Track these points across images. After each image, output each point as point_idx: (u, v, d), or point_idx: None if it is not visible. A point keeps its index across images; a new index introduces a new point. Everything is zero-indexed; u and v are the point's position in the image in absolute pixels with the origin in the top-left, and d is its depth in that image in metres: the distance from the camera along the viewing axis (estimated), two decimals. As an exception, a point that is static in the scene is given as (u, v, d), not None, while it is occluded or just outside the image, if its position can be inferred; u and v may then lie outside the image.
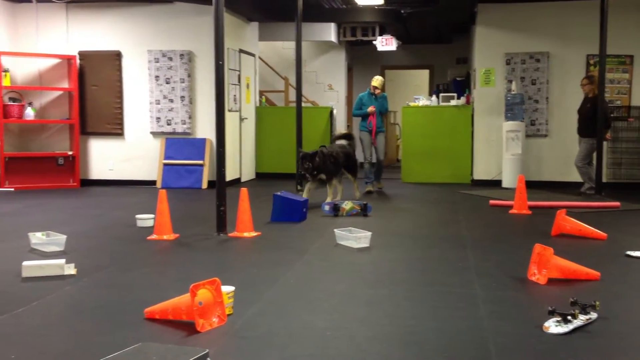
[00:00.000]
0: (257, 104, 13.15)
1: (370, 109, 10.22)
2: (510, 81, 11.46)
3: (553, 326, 3.76)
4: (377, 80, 10.48)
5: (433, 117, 12.10)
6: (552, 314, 3.81)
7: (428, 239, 6.71)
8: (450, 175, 11.93)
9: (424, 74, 16.79)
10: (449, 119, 12.01)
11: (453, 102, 12.08)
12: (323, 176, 8.71)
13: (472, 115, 11.85)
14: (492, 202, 9.08)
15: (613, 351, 3.51)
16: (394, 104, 16.58)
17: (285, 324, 3.90)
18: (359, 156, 10.37)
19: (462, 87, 13.18)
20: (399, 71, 17.08)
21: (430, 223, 7.72)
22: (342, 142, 9.77)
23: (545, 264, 4.85)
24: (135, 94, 11.15)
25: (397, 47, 14.36)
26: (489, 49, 11.67)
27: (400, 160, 13.11)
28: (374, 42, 14.23)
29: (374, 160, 10.72)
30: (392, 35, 14.04)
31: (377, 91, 10.34)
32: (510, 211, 8.35)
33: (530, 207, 8.34)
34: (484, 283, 4.86)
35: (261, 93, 13.84)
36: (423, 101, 12.39)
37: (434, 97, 12.53)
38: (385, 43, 14.08)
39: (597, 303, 3.98)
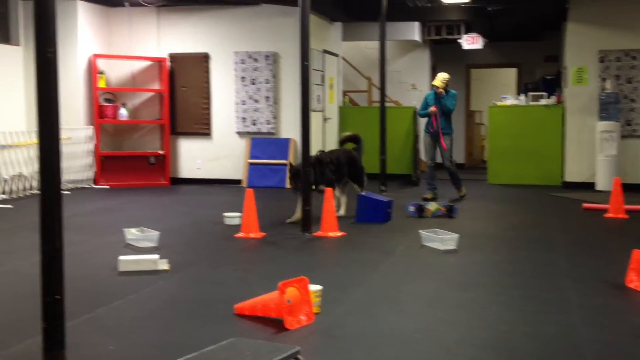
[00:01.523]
0: (341, 104, 13.20)
1: (432, 109, 9.44)
2: (604, 79, 11.00)
3: (655, 336, 3.61)
4: (437, 79, 9.60)
5: (521, 117, 11.76)
6: (653, 322, 3.66)
7: (517, 241, 6.54)
8: (539, 177, 11.56)
9: (511, 72, 16.37)
10: (538, 118, 11.65)
11: (543, 102, 11.70)
12: (322, 187, 7.32)
13: (563, 115, 11.46)
14: (585, 205, 8.74)
15: None
16: (480, 104, 16.26)
17: (373, 325, 3.90)
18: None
19: (552, 85, 12.74)
20: (484, 70, 16.72)
21: (519, 225, 7.52)
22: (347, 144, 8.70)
23: (645, 271, 4.63)
24: (222, 95, 11.41)
25: (483, 45, 14.05)
26: (582, 46, 11.23)
27: (486, 161, 12.84)
28: (459, 41, 13.98)
29: (441, 162, 9.74)
30: (478, 33, 13.76)
31: (439, 90, 9.46)
32: (605, 215, 8.00)
33: (628, 211, 7.97)
34: (577, 288, 4.69)
35: (344, 93, 13.87)
36: (511, 100, 12.08)
37: (522, 96, 12.20)
38: (471, 41, 13.80)
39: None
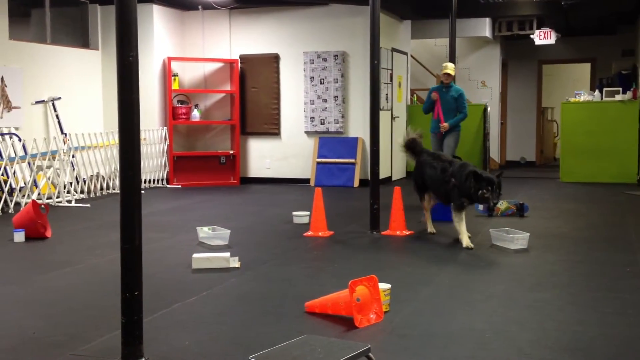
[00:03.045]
0: (409, 103, 13.13)
1: (433, 95, 8.57)
2: (684, 73, 10.55)
3: None
4: (448, 66, 8.61)
5: (595, 113, 11.42)
6: None
7: (591, 241, 6.37)
8: (615, 175, 11.19)
9: (585, 67, 15.88)
10: (613, 114, 11.28)
11: (618, 97, 11.32)
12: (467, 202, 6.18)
13: (640, 111, 11.05)
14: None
15: None
16: (552, 100, 15.86)
17: (443, 324, 3.90)
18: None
19: (628, 81, 12.32)
20: (557, 65, 16.29)
21: (593, 224, 7.32)
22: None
23: None
24: (291, 95, 11.55)
25: (556, 40, 13.71)
26: (660, 39, 10.81)
27: (558, 159, 12.51)
28: (531, 36, 13.69)
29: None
30: (550, 28, 13.43)
31: (448, 81, 8.52)
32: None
33: None
34: (655, 290, 4.55)
35: (412, 91, 13.80)
36: (585, 96, 11.74)
37: (596, 92, 11.83)
38: (543, 36, 13.49)
39: None
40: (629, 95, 11.28)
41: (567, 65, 16.49)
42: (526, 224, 7.12)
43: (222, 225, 6.57)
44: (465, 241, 6.02)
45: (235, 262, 5.27)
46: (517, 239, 6.01)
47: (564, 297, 4.47)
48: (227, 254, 5.32)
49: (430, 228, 6.77)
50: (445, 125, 8.52)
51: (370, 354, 2.97)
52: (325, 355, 2.87)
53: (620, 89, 11.52)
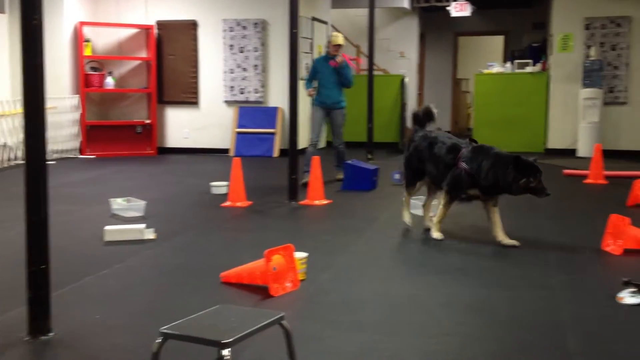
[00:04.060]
0: (328, 72, 13.15)
1: (310, 92, 7.95)
2: (589, 47, 11.03)
3: (627, 297, 3.70)
4: (340, 37, 7.92)
5: (507, 85, 11.81)
6: (626, 284, 3.75)
7: (502, 207, 6.62)
8: (523, 144, 11.62)
9: (499, 40, 16.34)
10: (523, 86, 11.69)
11: (528, 69, 11.74)
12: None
13: (548, 83, 11.51)
14: (566, 171, 8.86)
15: (692, 326, 3.43)
16: (467, 72, 16.24)
17: (357, 290, 3.98)
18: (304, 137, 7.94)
19: (539, 53, 12.76)
20: (472, 37, 16.68)
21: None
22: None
23: (621, 235, 4.74)
24: (209, 63, 11.35)
25: (472, 13, 14.00)
26: (568, 14, 11.24)
27: (471, 129, 12.89)
28: (447, 8, 13.93)
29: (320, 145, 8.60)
30: (466, 0, 13.70)
31: (340, 59, 7.82)
32: (585, 181, 8.13)
33: (607, 177, 8.09)
34: (556, 252, 4.80)
35: (332, 61, 13.82)
36: (497, 68, 12.10)
37: (508, 64, 12.22)
38: (459, 8, 13.74)
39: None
40: (538, 67, 11.70)
41: (481, 38, 16.91)
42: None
43: (138, 197, 6.43)
44: (436, 233, 5.24)
45: (150, 234, 5.19)
46: (432, 206, 6.17)
47: (472, 261, 4.65)
48: (142, 226, 5.23)
49: (409, 218, 5.68)
50: (311, 92, 7.93)
51: (284, 322, 3.00)
52: (239, 324, 2.87)
53: (531, 61, 11.94)
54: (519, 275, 4.30)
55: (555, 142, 11.45)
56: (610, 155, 10.26)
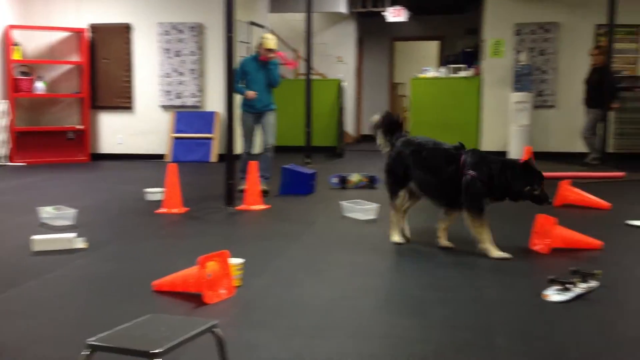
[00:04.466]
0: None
1: (250, 94, 7.37)
2: (519, 52, 11.37)
3: (553, 294, 3.82)
4: (272, 40, 7.46)
5: (442, 89, 12.06)
6: (552, 282, 3.88)
7: (436, 210, 6.74)
8: (459, 147, 11.90)
9: (434, 45, 16.67)
10: (457, 90, 11.97)
11: (462, 74, 12.02)
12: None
13: (480, 87, 11.81)
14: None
15: (612, 318, 3.56)
16: (403, 76, 16.50)
17: (293, 295, 3.98)
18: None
19: (472, 58, 13.09)
20: (409, 42, 16.96)
21: (438, 195, 7.75)
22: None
23: (548, 234, 4.90)
24: (144, 67, 11.17)
25: (408, 18, 14.24)
26: (499, 20, 11.57)
27: (409, 132, 13.06)
28: (383, 13, 14.11)
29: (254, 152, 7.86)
30: (402, 5, 13.92)
31: (272, 55, 7.44)
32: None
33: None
34: (486, 254, 4.90)
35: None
36: (432, 73, 12.34)
37: (443, 69, 12.47)
38: (396, 14, 13.95)
39: (598, 272, 4.03)
40: (471, 71, 12.00)
41: (417, 43, 17.20)
42: (377, 196, 7.38)
43: (69, 205, 6.26)
44: (496, 251, 4.79)
45: (80, 243, 5.05)
46: (367, 209, 6.25)
47: (409, 264, 4.72)
48: (72, 235, 5.08)
49: (399, 237, 5.25)
50: (252, 94, 7.37)
51: (217, 330, 2.97)
52: (170, 334, 2.83)
53: (465, 65, 12.23)
54: (450, 276, 4.39)
55: (487, 144, 11.74)
56: (540, 157, 10.59)
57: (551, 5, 11.38)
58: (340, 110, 12.41)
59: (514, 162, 4.81)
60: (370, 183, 8.10)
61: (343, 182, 8.06)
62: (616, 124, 11.20)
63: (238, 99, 7.36)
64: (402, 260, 4.80)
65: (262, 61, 7.43)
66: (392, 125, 5.37)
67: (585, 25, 11.27)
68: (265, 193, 7.18)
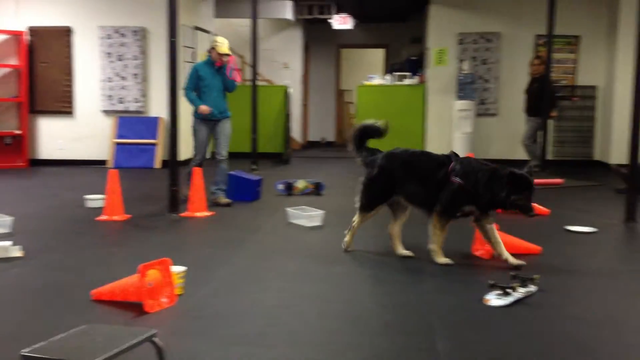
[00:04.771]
0: (212, 82, 13.02)
1: (204, 110, 7.01)
2: (462, 61, 11.60)
3: (493, 299, 3.89)
4: (225, 44, 7.12)
5: (387, 96, 12.19)
6: (492, 287, 3.95)
7: (381, 217, 6.78)
8: (404, 154, 12.05)
9: (379, 53, 16.85)
10: (402, 97, 12.12)
11: (407, 81, 12.18)
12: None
13: (425, 94, 11.99)
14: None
15: (550, 322, 3.65)
16: (350, 83, 16.62)
17: (236, 303, 3.94)
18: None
19: (416, 66, 13.28)
20: (354, 50, 17.09)
21: (383, 201, 7.81)
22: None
23: (490, 240, 4.98)
24: (85, 72, 10.92)
25: (354, 26, 14.35)
26: (443, 29, 11.78)
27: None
28: (329, 21, 14.19)
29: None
30: (348, 13, 14.02)
31: (226, 60, 7.12)
32: (461, 189, 8.50)
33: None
34: (429, 259, 4.96)
35: (216, 71, 13.69)
36: (377, 80, 12.47)
37: (388, 76, 12.61)
38: (342, 21, 14.05)
39: (537, 276, 4.12)
40: (416, 79, 12.17)
41: (363, 50, 17.36)
42: (322, 202, 7.41)
43: (5, 212, 6.06)
44: (441, 257, 4.83)
45: (16, 251, 4.89)
46: (313, 216, 6.25)
47: (352, 270, 4.73)
48: (8, 243, 4.92)
49: (403, 250, 5.13)
50: (205, 109, 7.04)
51: (156, 339, 2.91)
52: (106, 344, 2.76)
53: (410, 73, 12.40)
54: (394, 281, 4.42)
55: (432, 151, 11.91)
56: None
57: (493, 15, 11.65)
58: (286, 117, 12.40)
59: (502, 171, 4.64)
60: (316, 190, 8.11)
61: (289, 189, 8.04)
62: (555, 132, 11.53)
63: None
64: (347, 267, 4.81)
65: (217, 66, 7.15)
66: (373, 136, 5.33)
67: (526, 35, 11.58)
68: (227, 205, 7.07)
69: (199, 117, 7.17)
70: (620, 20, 10.84)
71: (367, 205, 5.21)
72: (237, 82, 7.50)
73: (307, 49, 15.85)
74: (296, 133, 14.55)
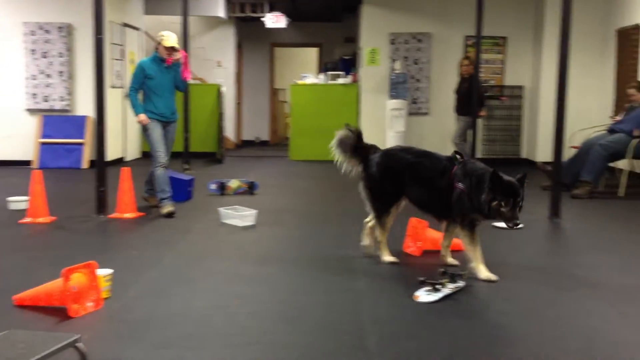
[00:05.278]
0: (142, 81, 12.76)
1: (143, 120, 6.51)
2: (394, 60, 11.75)
3: (423, 295, 3.94)
4: (172, 37, 6.52)
5: (321, 95, 12.22)
6: (423, 283, 4.00)
7: (314, 215, 6.81)
8: (338, 153, 12.11)
9: (313, 52, 16.89)
10: (336, 96, 12.18)
11: (340, 80, 12.25)
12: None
13: (358, 94, 12.09)
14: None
15: (478, 316, 3.72)
16: (284, 82, 16.60)
17: (165, 305, 3.86)
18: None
19: (350, 65, 13.38)
20: (288, 49, 17.08)
21: (317, 200, 7.84)
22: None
23: (420, 237, 5.06)
24: (8, 69, 10.50)
25: (287, 25, 14.33)
26: (375, 29, 11.90)
27: (289, 138, 13.16)
28: (263, 19, 14.12)
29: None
30: (281, 12, 13.99)
31: (176, 55, 6.57)
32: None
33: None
34: (361, 257, 4.99)
35: (146, 69, 13.42)
36: (311, 79, 12.49)
37: (322, 75, 12.65)
38: (275, 20, 14.00)
39: (466, 272, 4.20)
40: (349, 78, 12.25)
41: (297, 49, 17.37)
42: (256, 201, 7.36)
43: None
44: (484, 273, 4.40)
45: None
46: (245, 216, 6.19)
47: (284, 269, 4.70)
48: None
49: (390, 256, 4.83)
50: (143, 119, 6.53)
51: (79, 344, 2.82)
52: (27, 351, 2.66)
53: (343, 73, 12.47)
54: (326, 280, 4.42)
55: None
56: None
57: (424, 16, 11.85)
58: (219, 116, 12.27)
59: (488, 173, 4.24)
60: (250, 189, 8.05)
61: (222, 189, 7.95)
62: (485, 130, 11.82)
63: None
64: (280, 267, 4.78)
65: (168, 64, 6.56)
66: (360, 141, 4.91)
67: (455, 36, 11.83)
68: (171, 215, 6.47)
69: (153, 117, 6.56)
70: (545, 22, 11.22)
71: (381, 212, 4.79)
72: (189, 80, 7.07)
73: (240, 47, 15.74)
74: (230, 132, 14.43)
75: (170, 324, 3.55)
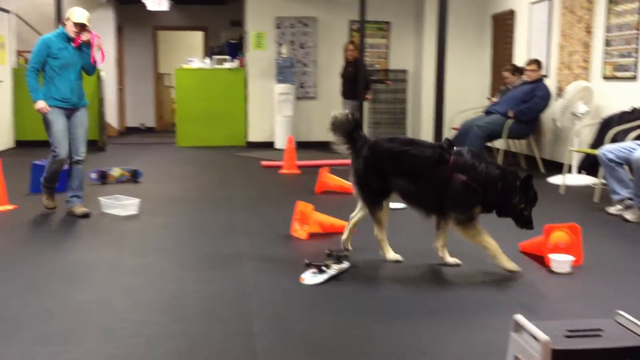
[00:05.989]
0: (15, 66, 12.01)
1: (41, 106, 5.68)
2: (280, 45, 11.71)
3: (309, 277, 3.97)
4: (82, 13, 5.61)
5: (207, 80, 12.01)
6: (308, 266, 4.02)
7: (199, 202, 6.69)
8: (226, 138, 11.99)
9: (198, 36, 16.54)
10: (223, 81, 12.01)
11: (227, 65, 12.08)
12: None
13: (246, 78, 11.97)
14: (263, 163, 9.32)
15: (361, 295, 3.79)
16: (168, 66, 16.16)
17: (41, 302, 3.65)
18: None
19: (237, 50, 13.21)
20: (172, 32, 16.62)
21: (203, 186, 7.71)
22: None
23: (306, 220, 5.09)
24: None
25: (170, 7, 13.92)
26: (261, 12, 11.80)
27: (176, 124, 12.86)
28: (144, 1, 13.64)
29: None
30: (163, -6, 13.57)
31: (86, 35, 5.67)
32: (280, 171, 8.64)
33: (300, 167, 8.69)
34: (250, 242, 4.97)
35: (19, 53, 12.63)
36: (197, 63, 12.23)
37: (207, 60, 12.42)
38: (157, 2, 13.56)
39: (349, 253, 4.26)
40: (236, 63, 12.10)
41: (182, 33, 16.96)
42: (139, 190, 7.15)
43: None
44: (509, 263, 4.15)
45: None
46: (127, 205, 5.99)
47: (168, 259, 4.58)
48: None
49: (393, 254, 4.46)
50: (42, 106, 5.71)
51: (-61, 348, 2.61)
52: None
53: (229, 57, 12.30)
54: (210, 267, 4.35)
55: (255, 135, 11.98)
56: (304, 147, 11.08)
57: (309, 0, 11.87)
58: (100, 102, 11.76)
59: (514, 174, 4.12)
60: (133, 177, 7.79)
61: (103, 178, 7.64)
62: (371, 114, 12.05)
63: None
64: (164, 256, 4.66)
65: (75, 44, 5.67)
66: (355, 127, 4.58)
67: (341, 20, 11.95)
68: (86, 216, 5.79)
69: (54, 104, 5.70)
70: (425, 8, 11.54)
71: (373, 205, 4.44)
72: (101, 64, 6.23)
73: (121, 30, 15.16)
74: (112, 119, 13.89)
75: (46, 320, 3.37)
